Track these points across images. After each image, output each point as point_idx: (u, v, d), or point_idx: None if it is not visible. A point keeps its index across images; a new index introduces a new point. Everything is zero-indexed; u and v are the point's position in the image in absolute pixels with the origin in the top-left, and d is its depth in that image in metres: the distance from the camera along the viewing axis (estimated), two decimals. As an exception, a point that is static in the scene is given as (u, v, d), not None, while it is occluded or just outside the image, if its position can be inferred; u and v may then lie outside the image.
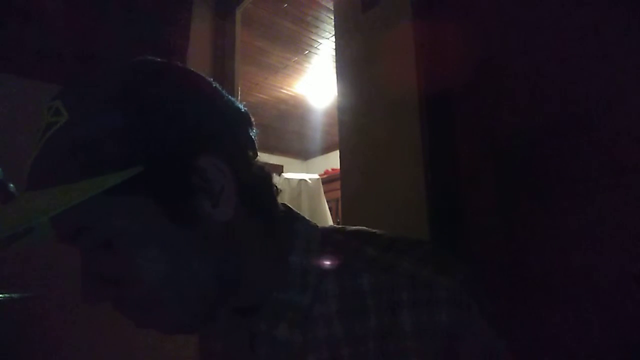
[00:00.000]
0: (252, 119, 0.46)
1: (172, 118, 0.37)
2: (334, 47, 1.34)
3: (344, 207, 1.25)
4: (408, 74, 1.02)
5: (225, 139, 0.41)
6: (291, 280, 0.42)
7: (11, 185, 0.80)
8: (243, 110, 0.45)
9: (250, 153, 0.44)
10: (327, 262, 0.42)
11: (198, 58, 1.72)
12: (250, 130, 0.45)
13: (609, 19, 0.75)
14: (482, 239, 0.89)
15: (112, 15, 1.50)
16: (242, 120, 0.44)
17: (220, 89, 0.44)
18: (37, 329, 1.18)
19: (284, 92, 3.50)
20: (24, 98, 1.28)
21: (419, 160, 0.98)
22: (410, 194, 0.99)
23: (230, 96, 0.44)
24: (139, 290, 0.36)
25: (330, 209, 3.25)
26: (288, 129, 4.39)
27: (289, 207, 0.48)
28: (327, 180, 3.47)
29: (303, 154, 5.27)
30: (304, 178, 3.20)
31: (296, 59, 2.95)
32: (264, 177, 0.45)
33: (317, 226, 0.47)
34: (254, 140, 0.45)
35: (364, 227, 0.47)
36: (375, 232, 0.46)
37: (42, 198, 0.34)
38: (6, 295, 1.07)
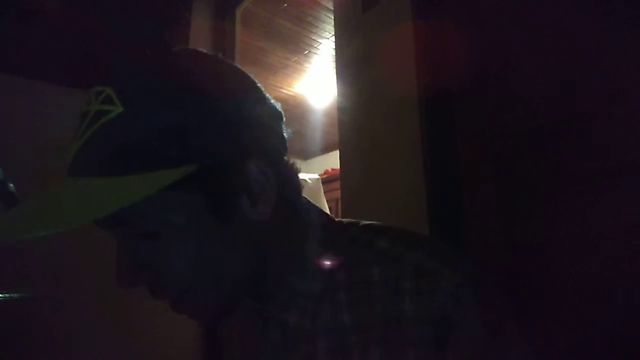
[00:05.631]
0: (284, 116, 0.47)
1: (228, 120, 0.39)
2: (334, 47, 1.34)
3: (344, 207, 1.25)
4: (408, 74, 1.02)
5: (269, 141, 0.43)
6: (305, 269, 0.44)
7: (11, 185, 0.80)
8: (279, 109, 0.46)
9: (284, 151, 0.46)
10: (340, 254, 0.44)
11: (198, 58, 1.71)
12: (283, 128, 0.46)
13: (609, 19, 0.75)
14: (481, 238, 0.89)
15: (112, 15, 1.50)
16: (279, 120, 0.46)
17: (262, 89, 0.45)
18: (37, 329, 1.18)
19: (284, 92, 3.50)
20: (24, 98, 1.28)
21: (419, 160, 0.98)
22: (410, 194, 0.99)
23: (267, 95, 0.45)
24: (175, 278, 0.39)
25: (330, 209, 3.24)
26: (288, 129, 4.38)
27: (307, 199, 0.49)
28: (327, 180, 3.46)
29: (303, 154, 5.25)
30: (303, 178, 3.18)
31: (296, 59, 2.95)
32: (295, 175, 0.47)
33: (334, 219, 0.49)
34: (285, 138, 0.46)
35: (377, 222, 0.48)
36: (387, 226, 0.47)
37: (101, 188, 0.35)
38: (6, 295, 1.07)
